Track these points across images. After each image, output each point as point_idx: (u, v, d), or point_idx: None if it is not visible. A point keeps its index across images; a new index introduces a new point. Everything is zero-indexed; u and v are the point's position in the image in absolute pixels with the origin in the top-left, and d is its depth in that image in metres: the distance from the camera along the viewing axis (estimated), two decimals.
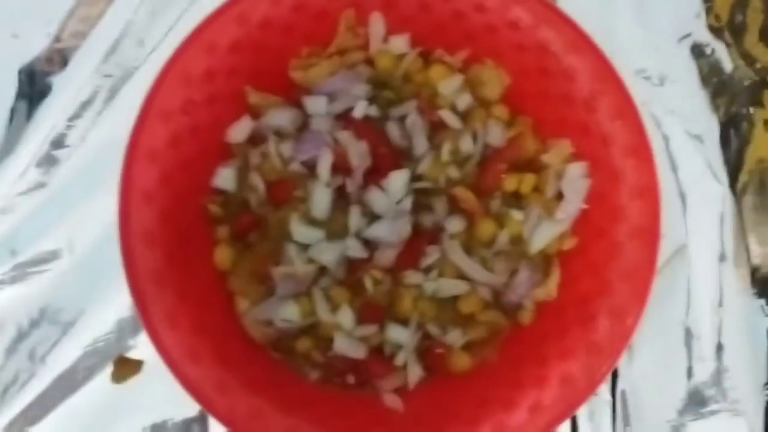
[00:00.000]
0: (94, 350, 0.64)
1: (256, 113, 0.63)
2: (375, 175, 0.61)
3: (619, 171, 0.60)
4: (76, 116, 0.68)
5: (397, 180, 0.60)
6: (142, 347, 0.64)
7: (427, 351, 0.61)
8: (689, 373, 0.66)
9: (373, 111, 0.63)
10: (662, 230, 0.59)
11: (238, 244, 0.62)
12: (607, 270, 0.60)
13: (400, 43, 0.65)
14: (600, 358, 0.58)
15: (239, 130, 0.63)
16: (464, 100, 0.63)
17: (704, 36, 0.73)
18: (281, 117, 0.63)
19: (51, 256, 0.66)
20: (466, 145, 0.62)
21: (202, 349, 0.57)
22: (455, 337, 0.61)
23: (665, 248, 0.64)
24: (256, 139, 0.63)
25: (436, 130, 0.63)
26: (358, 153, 0.61)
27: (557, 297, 0.62)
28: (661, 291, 0.63)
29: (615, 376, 0.66)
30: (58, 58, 0.69)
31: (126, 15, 0.70)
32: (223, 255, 0.61)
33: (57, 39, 0.69)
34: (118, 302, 0.65)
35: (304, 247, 0.60)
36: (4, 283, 0.65)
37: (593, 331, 0.59)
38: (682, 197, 0.69)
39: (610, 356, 0.58)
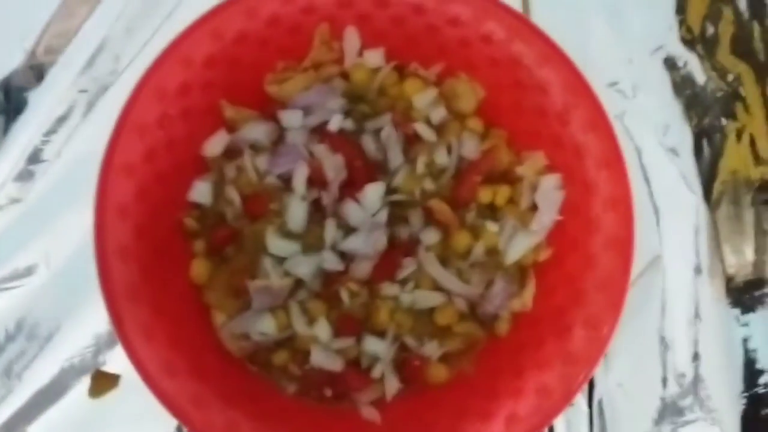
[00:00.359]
0: (71, 365, 0.64)
1: (231, 127, 0.64)
2: (350, 187, 0.61)
3: (593, 183, 0.61)
4: (52, 131, 0.68)
5: (373, 192, 0.61)
6: (119, 361, 0.64)
7: (404, 363, 0.62)
8: (665, 383, 0.67)
9: (349, 124, 0.63)
10: (636, 241, 0.59)
11: (214, 258, 0.62)
12: (582, 280, 0.60)
13: (374, 56, 0.65)
14: (576, 368, 0.58)
15: (215, 144, 0.63)
16: (439, 113, 0.64)
17: (677, 48, 0.74)
18: (257, 131, 0.63)
19: (27, 271, 0.66)
20: (441, 157, 0.63)
21: (178, 363, 0.57)
22: (432, 348, 0.61)
23: (640, 259, 0.65)
24: (231, 153, 0.63)
25: (411, 143, 0.63)
26: (334, 166, 0.61)
27: (533, 308, 0.62)
28: (636, 302, 0.64)
29: (591, 386, 0.66)
30: (34, 73, 0.69)
31: (102, 31, 0.70)
32: (199, 269, 0.62)
33: (32, 54, 0.69)
34: (94, 317, 0.64)
35: (280, 260, 0.60)
36: None
37: (569, 341, 0.59)
38: (656, 209, 0.70)
39: (586, 366, 0.58)
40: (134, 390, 0.56)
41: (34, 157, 0.67)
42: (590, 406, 0.66)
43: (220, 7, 0.61)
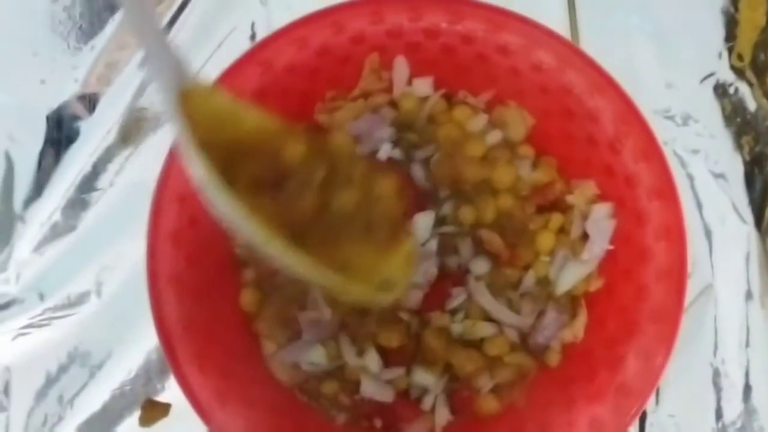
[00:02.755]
0: (122, 393, 0.65)
1: None
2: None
3: (645, 212, 0.60)
4: (104, 160, 0.68)
5: (423, 222, 0.61)
6: (170, 390, 0.64)
7: (454, 393, 0.61)
8: (718, 414, 0.66)
9: (397, 153, 0.63)
10: (688, 270, 0.59)
11: (263, 288, 0.62)
12: (634, 311, 0.59)
13: (423, 85, 0.65)
14: (629, 399, 0.58)
15: None
16: (494, 136, 0.64)
17: (727, 75, 0.73)
18: None
19: (79, 300, 0.66)
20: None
21: (229, 392, 0.57)
22: (483, 380, 0.61)
23: (691, 287, 0.63)
24: None
25: (461, 172, 0.63)
26: None
27: (584, 339, 0.62)
28: (687, 330, 0.62)
29: (643, 418, 0.66)
30: (86, 102, 0.70)
31: None
32: (249, 298, 0.62)
33: (84, 84, 0.70)
34: (145, 345, 0.65)
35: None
36: (33, 327, 0.65)
37: (621, 372, 0.58)
38: (708, 236, 0.69)
39: (639, 397, 0.58)
40: (185, 419, 0.56)
41: (87, 186, 0.68)
42: None
43: (270, 38, 0.61)
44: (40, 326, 0.66)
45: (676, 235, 0.59)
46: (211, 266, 0.60)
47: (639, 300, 0.60)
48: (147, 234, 0.57)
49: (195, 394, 0.56)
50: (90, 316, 0.66)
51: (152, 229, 0.57)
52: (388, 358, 0.60)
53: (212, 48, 0.71)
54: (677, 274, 0.59)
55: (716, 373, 0.66)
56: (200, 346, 0.57)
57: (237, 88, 0.60)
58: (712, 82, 0.73)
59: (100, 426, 0.64)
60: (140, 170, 0.68)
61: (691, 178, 0.70)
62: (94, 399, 0.65)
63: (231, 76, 0.60)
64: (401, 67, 0.65)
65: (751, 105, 0.73)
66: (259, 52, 0.61)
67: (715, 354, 0.67)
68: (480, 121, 0.64)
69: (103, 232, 0.67)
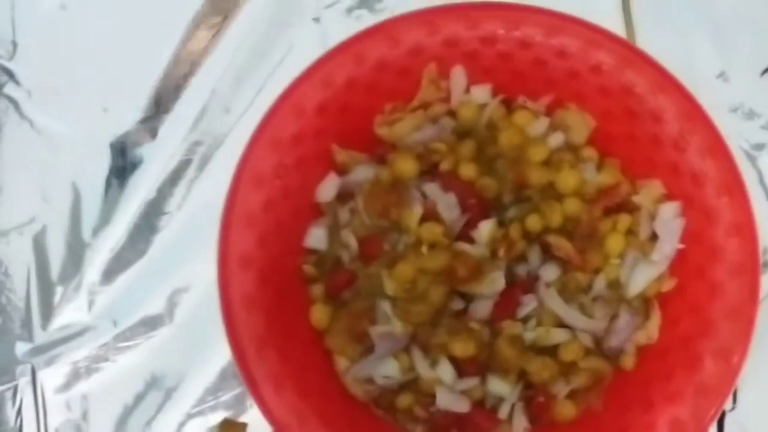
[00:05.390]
0: (199, 413, 0.65)
1: (342, 171, 0.64)
2: (466, 226, 0.61)
3: (714, 209, 0.59)
4: (169, 184, 0.69)
5: (486, 229, 0.60)
6: (246, 410, 0.65)
7: (530, 401, 0.61)
8: None
9: None
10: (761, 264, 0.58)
11: (333, 303, 0.62)
12: (708, 310, 0.59)
13: (481, 92, 0.65)
14: (708, 399, 0.57)
15: (327, 189, 0.63)
16: (557, 139, 0.63)
17: None
18: (368, 172, 0.63)
19: (152, 324, 0.67)
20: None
21: (307, 410, 0.57)
22: (559, 386, 0.60)
23: (765, 281, 0.62)
24: (344, 197, 0.64)
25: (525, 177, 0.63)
26: (447, 204, 0.61)
27: (659, 339, 0.61)
28: (763, 326, 0.61)
29: (721, 417, 0.65)
30: (148, 129, 0.71)
31: (210, 84, 0.71)
32: (319, 314, 0.62)
33: (145, 111, 0.71)
34: (219, 364, 0.65)
35: (398, 302, 0.60)
36: (108, 353, 0.66)
37: (699, 372, 0.58)
38: None
39: (719, 397, 0.57)
40: None
41: (155, 211, 0.69)
42: None
43: (328, 55, 0.61)
44: (115, 352, 0.66)
45: (747, 231, 0.59)
46: (281, 285, 0.60)
47: (713, 298, 0.59)
48: (217, 256, 0.58)
49: (272, 414, 0.56)
50: (164, 339, 0.67)
51: (222, 250, 0.58)
52: (461, 368, 0.60)
53: (270, 67, 0.71)
54: (750, 270, 0.58)
55: None
56: (276, 366, 0.57)
57: (299, 107, 0.60)
58: None
59: None
60: (207, 192, 0.68)
61: (760, 171, 0.69)
62: (171, 421, 0.65)
63: (291, 95, 0.60)
64: (459, 76, 0.64)
65: None
66: (318, 69, 0.61)
67: None
68: (541, 124, 0.63)
69: (172, 256, 0.68)
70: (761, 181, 0.69)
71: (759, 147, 0.70)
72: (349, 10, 0.73)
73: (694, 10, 0.73)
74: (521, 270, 0.61)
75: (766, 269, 0.65)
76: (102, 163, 0.70)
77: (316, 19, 0.73)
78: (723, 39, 0.73)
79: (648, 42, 0.70)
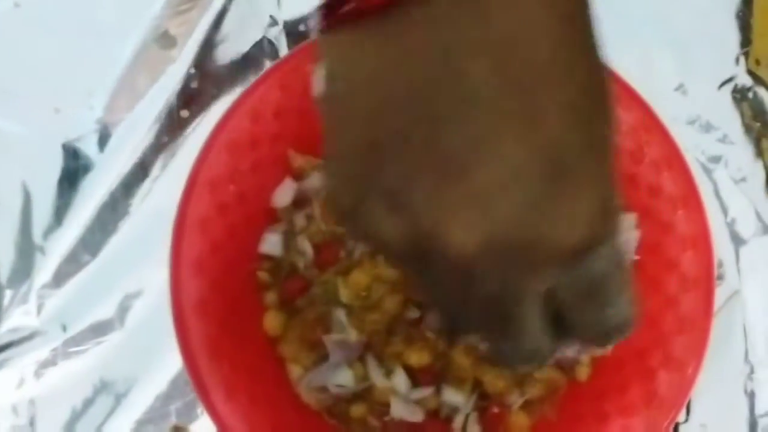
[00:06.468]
0: (148, 420, 0.64)
1: (299, 176, 0.63)
2: None
3: (669, 221, 0.60)
4: (123, 188, 0.68)
5: None
6: (197, 417, 0.63)
7: (485, 411, 0.61)
8: (751, 422, 0.65)
9: None
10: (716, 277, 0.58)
11: (287, 310, 0.62)
12: (662, 322, 0.59)
13: None
14: (661, 411, 0.58)
15: (283, 194, 0.63)
16: None
17: (745, 80, 0.73)
18: None
19: (102, 329, 0.65)
20: None
21: (259, 419, 0.56)
22: (513, 396, 0.60)
23: (718, 294, 0.63)
24: (300, 203, 0.63)
25: None
26: None
27: (614, 351, 0.61)
28: (717, 339, 0.62)
29: (675, 429, 0.65)
30: (103, 131, 0.69)
31: (170, 86, 0.70)
32: (273, 321, 0.61)
33: (100, 112, 0.70)
34: (170, 372, 0.64)
35: (353, 310, 0.60)
36: (57, 358, 0.65)
37: (652, 384, 0.58)
38: (734, 242, 0.69)
39: (672, 409, 0.58)
40: None
41: (108, 214, 0.67)
42: None
43: (286, 59, 0.61)
44: (64, 358, 0.65)
45: (702, 243, 0.59)
46: (234, 292, 0.60)
47: (667, 310, 0.59)
48: (169, 261, 0.57)
49: (223, 422, 0.55)
50: (114, 345, 0.65)
51: (174, 256, 0.57)
52: (416, 378, 0.59)
53: None
54: (705, 282, 0.59)
55: (748, 381, 0.66)
56: (226, 373, 0.56)
57: (255, 112, 0.60)
58: (730, 87, 0.73)
59: None
60: (161, 196, 0.67)
61: (715, 184, 0.70)
62: (121, 428, 0.64)
63: (248, 98, 0.60)
64: None
65: None
66: (277, 72, 0.60)
67: (745, 361, 0.66)
68: None
69: (125, 260, 0.66)
70: (717, 194, 0.70)
71: (715, 159, 0.71)
72: None
73: (654, 24, 0.74)
74: None
75: (720, 282, 0.66)
76: (54, 164, 0.68)
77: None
78: (682, 52, 0.73)
79: (608, 54, 0.70)
